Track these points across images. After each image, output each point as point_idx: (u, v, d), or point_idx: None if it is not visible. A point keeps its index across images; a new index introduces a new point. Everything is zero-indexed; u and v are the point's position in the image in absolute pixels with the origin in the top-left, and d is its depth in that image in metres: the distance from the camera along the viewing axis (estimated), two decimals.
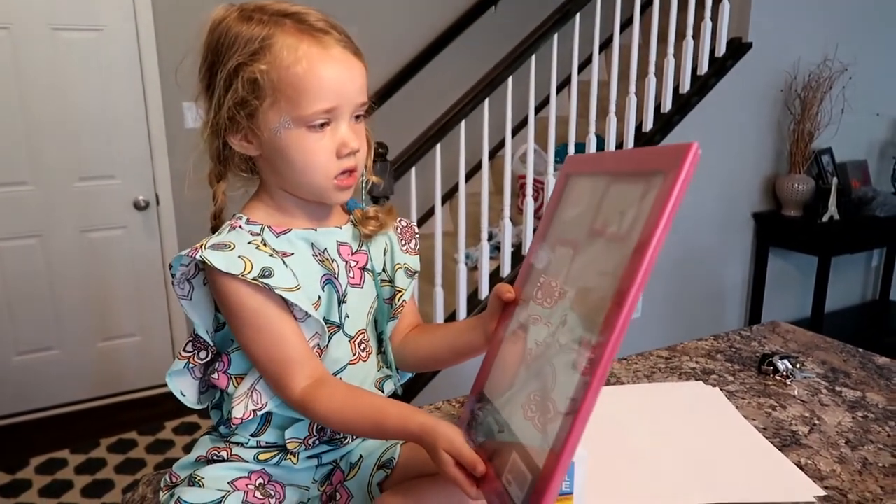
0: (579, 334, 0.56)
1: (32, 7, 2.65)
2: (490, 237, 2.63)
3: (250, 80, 0.71)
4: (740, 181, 3.15)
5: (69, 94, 2.76)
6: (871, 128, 3.50)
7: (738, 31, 2.93)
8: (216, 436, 0.82)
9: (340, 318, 0.79)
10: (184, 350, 0.80)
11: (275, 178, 0.77)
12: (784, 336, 1.47)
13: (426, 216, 2.96)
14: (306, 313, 0.74)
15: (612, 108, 2.65)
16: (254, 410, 0.77)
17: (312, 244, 0.78)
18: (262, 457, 0.79)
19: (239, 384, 0.77)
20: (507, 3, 3.35)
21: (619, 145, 2.71)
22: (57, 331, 2.92)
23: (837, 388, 1.22)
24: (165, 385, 0.80)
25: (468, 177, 2.67)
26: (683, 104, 2.81)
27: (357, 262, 0.82)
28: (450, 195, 3.22)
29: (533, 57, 2.45)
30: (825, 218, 3.03)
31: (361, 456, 0.82)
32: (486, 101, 2.36)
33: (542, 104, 3.11)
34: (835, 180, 3.09)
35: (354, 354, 0.81)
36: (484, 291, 2.47)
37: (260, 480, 0.78)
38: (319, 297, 0.77)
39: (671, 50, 2.74)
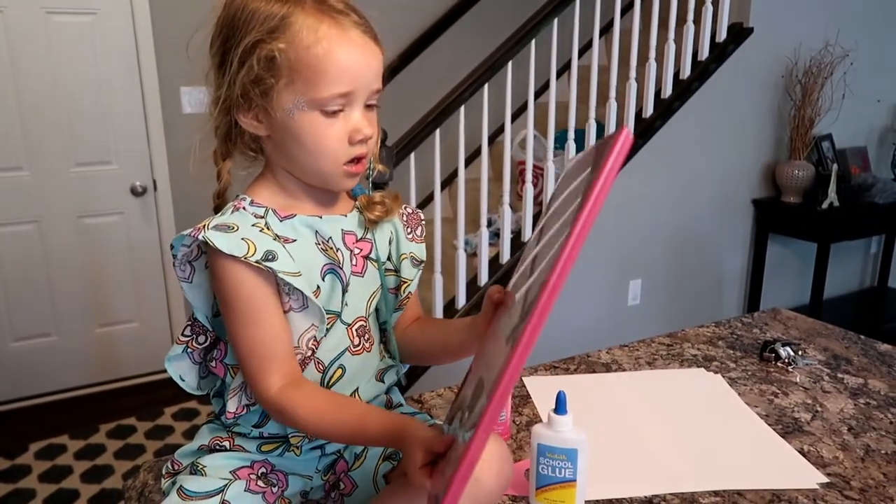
0: (515, 322, 0.56)
1: None
2: (489, 223, 2.62)
3: (267, 57, 0.69)
4: (740, 167, 3.15)
5: (64, 78, 2.73)
6: (872, 114, 3.49)
7: (739, 16, 2.91)
8: (218, 424, 0.82)
9: (341, 307, 0.78)
10: (182, 334, 0.79)
11: (282, 160, 0.76)
12: (785, 323, 1.47)
13: (425, 202, 2.95)
14: (304, 302, 0.73)
15: (613, 93, 2.63)
16: (246, 406, 0.76)
17: (317, 232, 0.77)
18: (264, 448, 0.79)
19: (235, 374, 0.77)
20: None
21: None
22: (54, 317, 2.91)
23: (839, 375, 1.22)
24: (164, 371, 0.79)
25: (467, 162, 2.65)
26: (684, 90, 2.79)
27: (361, 250, 0.81)
28: (449, 181, 3.21)
29: (533, 42, 2.42)
30: (825, 205, 3.03)
31: (366, 447, 0.81)
32: (486, 87, 2.34)
33: (542, 89, 3.09)
34: (835, 167, 3.08)
35: (355, 345, 0.80)
36: (483, 278, 2.46)
37: (262, 470, 0.78)
38: (319, 287, 0.75)
39: (672, 35, 2.72)
